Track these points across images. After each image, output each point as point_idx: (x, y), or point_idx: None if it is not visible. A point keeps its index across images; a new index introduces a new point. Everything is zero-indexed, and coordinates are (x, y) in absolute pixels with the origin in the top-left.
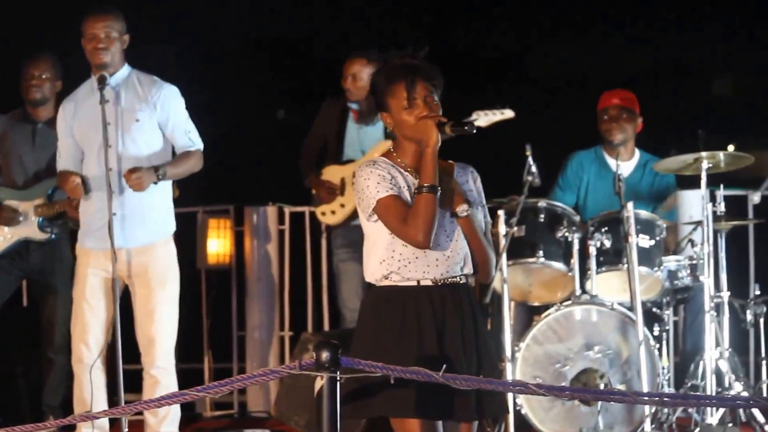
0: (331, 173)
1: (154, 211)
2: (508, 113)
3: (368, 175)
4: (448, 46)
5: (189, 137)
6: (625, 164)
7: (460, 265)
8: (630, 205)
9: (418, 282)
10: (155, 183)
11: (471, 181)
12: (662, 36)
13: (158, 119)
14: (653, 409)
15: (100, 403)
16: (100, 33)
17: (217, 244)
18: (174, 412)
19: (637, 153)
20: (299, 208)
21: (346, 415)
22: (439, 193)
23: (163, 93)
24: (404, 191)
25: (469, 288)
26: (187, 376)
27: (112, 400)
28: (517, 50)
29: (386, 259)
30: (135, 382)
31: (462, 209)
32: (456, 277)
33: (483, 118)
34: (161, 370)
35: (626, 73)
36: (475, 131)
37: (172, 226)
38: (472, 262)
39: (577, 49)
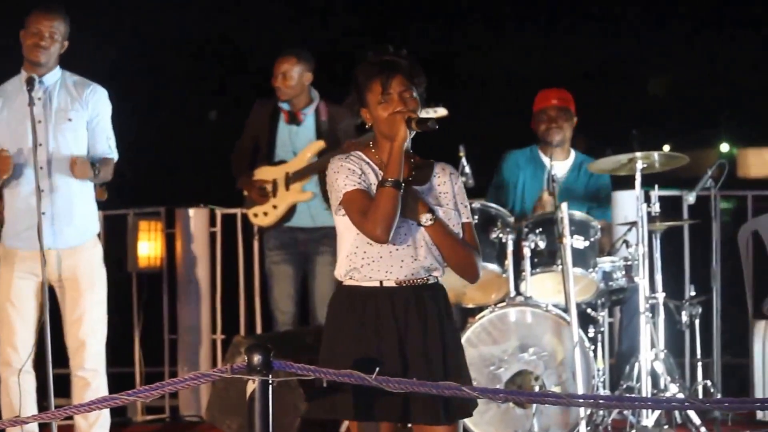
0: (264, 174)
1: (81, 211)
2: (442, 111)
3: (338, 169)
4: (379, 45)
5: (109, 144)
6: (560, 164)
7: (428, 267)
8: (564, 205)
9: (381, 282)
10: (90, 179)
11: (449, 182)
12: (597, 36)
13: (87, 119)
14: (588, 411)
15: (30, 407)
16: (45, 31)
17: (148, 247)
18: (104, 416)
19: (572, 153)
20: (231, 210)
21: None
22: (402, 189)
23: (95, 94)
24: (373, 187)
25: (438, 290)
26: (119, 380)
27: (42, 404)
28: (450, 50)
29: (350, 255)
30: (64, 386)
31: (426, 218)
32: (422, 279)
33: None
34: (91, 372)
35: (561, 73)
36: (437, 127)
37: (97, 227)
38: (457, 266)
39: (511, 48)
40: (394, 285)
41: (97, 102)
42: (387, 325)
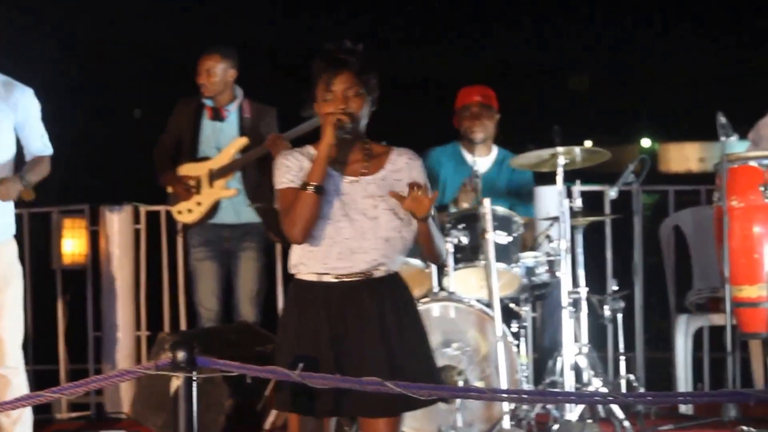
0: (187, 171)
1: (3, 209)
2: None
3: (278, 164)
4: (304, 45)
5: (43, 141)
6: (483, 160)
7: (371, 259)
8: (487, 201)
9: (320, 277)
10: (19, 192)
11: (405, 169)
12: (518, 33)
13: (16, 120)
14: (512, 406)
15: None
16: None
17: (72, 244)
18: (27, 413)
19: (495, 149)
20: (155, 207)
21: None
22: (323, 194)
23: (22, 95)
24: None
25: (386, 283)
26: (43, 378)
27: None
28: (371, 46)
29: (296, 249)
30: None
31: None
32: (363, 273)
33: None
34: (11, 370)
35: (482, 70)
36: (344, 134)
37: (12, 227)
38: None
39: (432, 47)
40: (332, 280)
41: (26, 103)
42: (321, 320)
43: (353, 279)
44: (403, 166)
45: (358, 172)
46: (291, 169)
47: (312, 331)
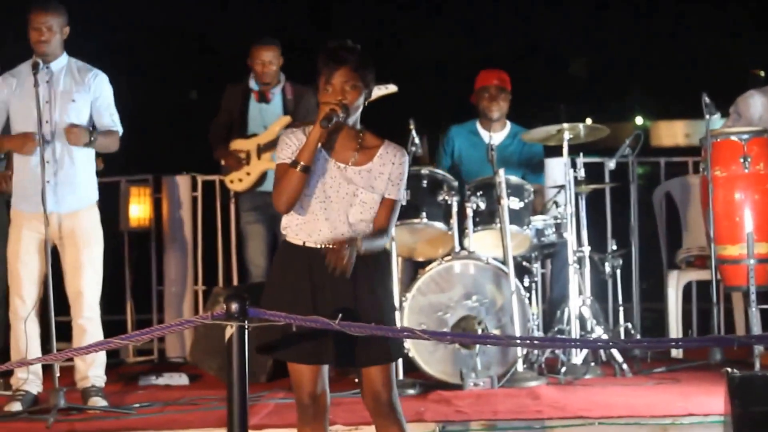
0: (238, 146)
1: (81, 181)
2: (392, 87)
3: (281, 139)
4: (333, 28)
5: (112, 119)
6: (497, 135)
7: (345, 236)
8: (501, 171)
9: (304, 243)
10: (86, 145)
11: (388, 164)
12: (527, 22)
13: (90, 99)
14: (525, 351)
15: (35, 351)
16: (43, 27)
17: (138, 210)
18: (100, 357)
19: (508, 125)
20: (210, 177)
21: (259, 354)
22: (309, 173)
23: (97, 78)
24: (314, 163)
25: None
26: (112, 327)
27: (45, 348)
28: (396, 31)
29: (289, 215)
30: (65, 332)
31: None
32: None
33: None
34: (88, 320)
35: (496, 55)
36: (329, 125)
37: (95, 195)
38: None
39: (451, 32)
40: (313, 246)
41: (99, 85)
42: (304, 275)
43: (332, 247)
44: (387, 162)
45: (347, 159)
46: (290, 147)
47: (294, 284)
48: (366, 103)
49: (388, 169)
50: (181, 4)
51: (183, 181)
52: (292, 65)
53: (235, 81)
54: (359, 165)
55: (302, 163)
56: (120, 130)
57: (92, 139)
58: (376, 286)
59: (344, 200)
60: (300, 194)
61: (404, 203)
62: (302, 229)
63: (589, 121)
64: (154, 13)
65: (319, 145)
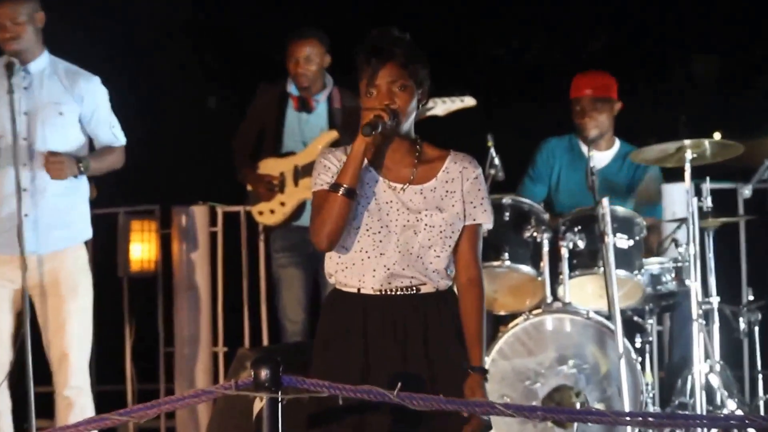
0: (270, 167)
1: (71, 214)
2: (469, 101)
3: (317, 163)
4: (398, 21)
5: (113, 132)
6: (602, 155)
7: (410, 277)
8: (605, 200)
9: (358, 289)
10: (75, 176)
11: (459, 179)
12: (633, 11)
13: (82, 113)
14: (636, 431)
15: (6, 431)
16: (6, 21)
17: (141, 249)
18: None
19: (617, 143)
20: (233, 208)
21: None
22: (354, 198)
23: (89, 85)
24: (361, 187)
25: (430, 300)
26: (108, 399)
27: (22, 427)
28: (475, 32)
29: (331, 257)
30: (47, 406)
31: None
32: (401, 288)
33: (440, 106)
34: (75, 390)
35: (595, 54)
36: (373, 133)
37: (87, 231)
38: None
39: (543, 28)
40: (370, 293)
41: (93, 93)
42: (354, 336)
43: (395, 294)
44: (456, 176)
45: (405, 178)
46: (329, 169)
47: (344, 344)
48: (425, 109)
49: (458, 186)
50: None
51: (199, 213)
52: (343, 66)
53: (271, 82)
54: (420, 183)
55: (345, 185)
56: (123, 141)
57: (82, 169)
58: (449, 346)
59: (405, 228)
60: (345, 226)
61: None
62: (352, 271)
63: (717, 135)
64: (156, 1)
65: (365, 161)
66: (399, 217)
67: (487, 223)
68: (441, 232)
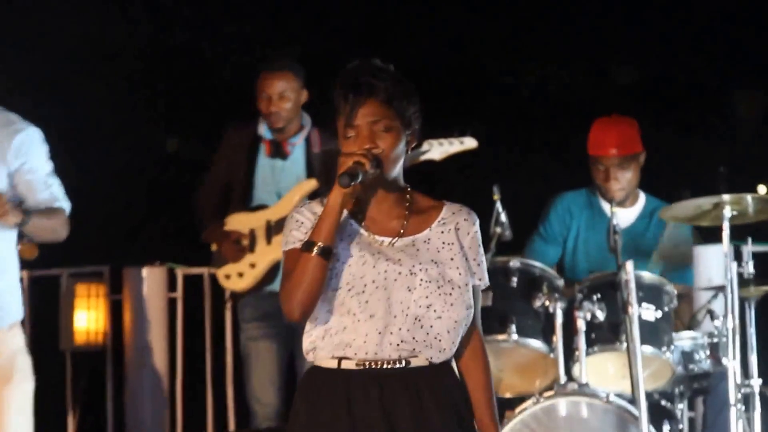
0: (238, 223)
1: (4, 285)
2: (470, 143)
3: (289, 219)
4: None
5: (51, 192)
6: (626, 212)
7: (402, 344)
8: (629, 264)
9: (339, 363)
10: (18, 225)
11: (454, 231)
12: (661, 46)
13: (12, 168)
14: None
15: None
16: None
17: (88, 318)
18: None
19: (642, 198)
20: (196, 270)
21: None
22: (330, 258)
23: (23, 136)
24: (337, 243)
25: (427, 377)
26: None
27: None
28: (479, 59)
29: (313, 326)
30: None
31: None
32: (394, 360)
33: (437, 149)
34: None
35: (617, 92)
36: (350, 184)
37: (20, 311)
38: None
39: (562, 57)
40: (354, 368)
41: (27, 146)
42: (338, 419)
43: (381, 368)
44: (452, 227)
45: (395, 231)
46: (303, 226)
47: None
48: (417, 153)
49: (455, 238)
50: (154, 9)
51: (155, 276)
52: (323, 102)
53: (240, 122)
54: (412, 234)
55: (319, 243)
56: (67, 207)
57: (25, 219)
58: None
59: (397, 286)
60: (320, 291)
61: (482, 303)
62: (334, 340)
63: (762, 189)
64: (110, 25)
65: (344, 214)
66: (388, 274)
67: (487, 284)
68: (439, 287)
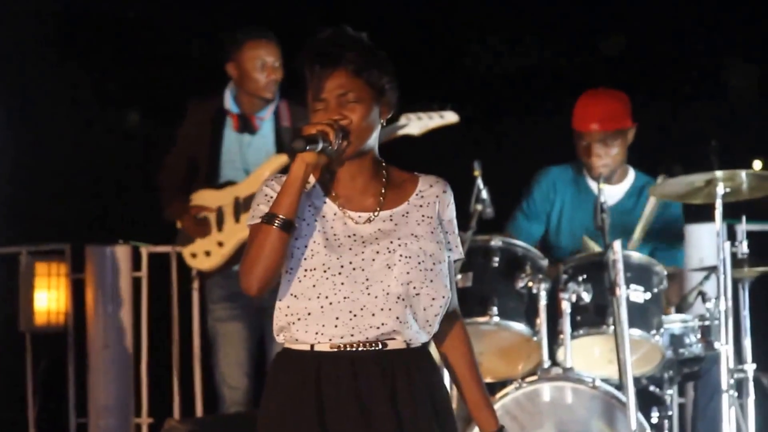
0: (205, 200)
1: None
2: (450, 117)
3: (257, 193)
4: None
5: None
6: (613, 189)
7: (380, 324)
8: (617, 244)
9: (312, 346)
10: None
11: (434, 203)
12: (651, 14)
13: None
14: None
15: None
16: None
17: (48, 298)
18: None
19: (631, 174)
20: (161, 248)
21: None
22: (291, 231)
23: None
24: (310, 222)
25: (405, 360)
26: None
27: None
28: (460, 31)
29: (281, 308)
30: None
31: None
32: (368, 342)
33: (415, 123)
34: None
35: (609, 60)
36: (305, 149)
37: None
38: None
39: (546, 27)
40: (329, 349)
41: None
42: (308, 406)
43: (356, 350)
44: (433, 201)
45: (371, 207)
46: (271, 201)
47: (296, 421)
48: (395, 127)
49: (433, 211)
50: None
51: (119, 255)
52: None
53: (203, 96)
54: (389, 208)
55: (281, 216)
56: None
57: None
58: (431, 420)
59: (374, 264)
60: (279, 264)
61: (462, 284)
62: (308, 322)
63: (757, 165)
64: None
65: (320, 194)
66: (366, 251)
67: (462, 255)
68: (420, 262)
